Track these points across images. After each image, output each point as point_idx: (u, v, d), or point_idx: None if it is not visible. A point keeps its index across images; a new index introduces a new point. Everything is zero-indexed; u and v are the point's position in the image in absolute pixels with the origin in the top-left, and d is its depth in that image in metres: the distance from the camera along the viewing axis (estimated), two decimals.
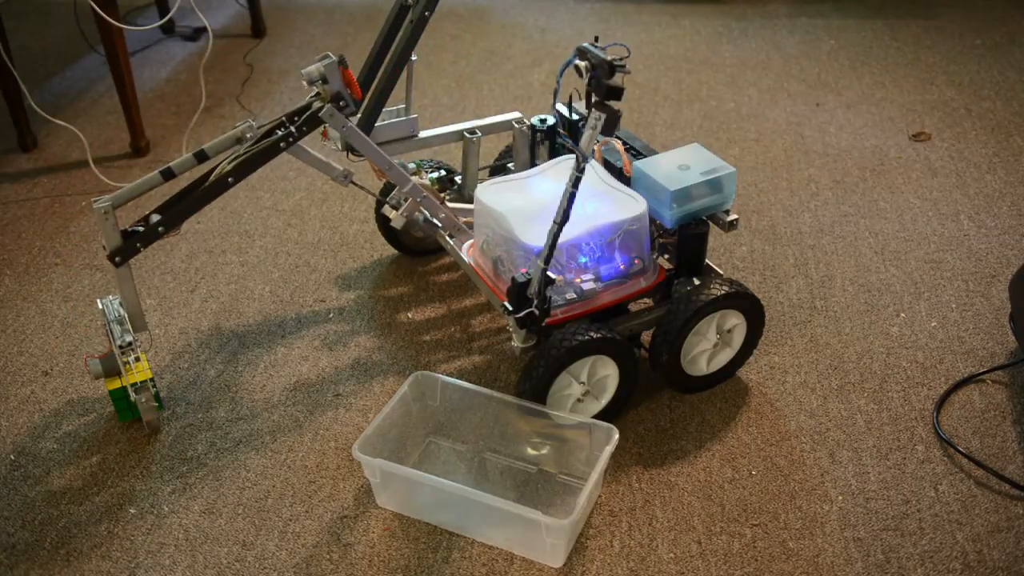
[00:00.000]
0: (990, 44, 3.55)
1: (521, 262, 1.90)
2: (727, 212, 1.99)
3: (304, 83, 1.93)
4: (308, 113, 1.92)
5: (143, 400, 1.91)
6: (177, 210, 1.90)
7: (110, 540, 1.79)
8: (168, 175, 1.90)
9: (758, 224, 2.59)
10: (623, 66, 1.68)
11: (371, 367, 2.16)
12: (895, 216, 2.61)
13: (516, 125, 2.25)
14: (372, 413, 2.04)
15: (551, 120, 2.21)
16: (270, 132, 1.92)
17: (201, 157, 1.91)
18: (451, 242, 2.17)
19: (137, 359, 1.91)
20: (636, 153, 2.10)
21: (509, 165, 2.37)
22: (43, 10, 4.00)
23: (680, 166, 1.97)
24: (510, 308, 1.84)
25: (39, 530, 1.82)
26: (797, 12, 3.86)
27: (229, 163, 1.89)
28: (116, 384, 1.95)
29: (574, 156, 1.77)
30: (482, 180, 2.11)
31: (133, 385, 1.90)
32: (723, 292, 1.93)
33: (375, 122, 2.13)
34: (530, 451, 1.93)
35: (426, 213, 2.13)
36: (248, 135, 1.91)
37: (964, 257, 2.45)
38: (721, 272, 2.07)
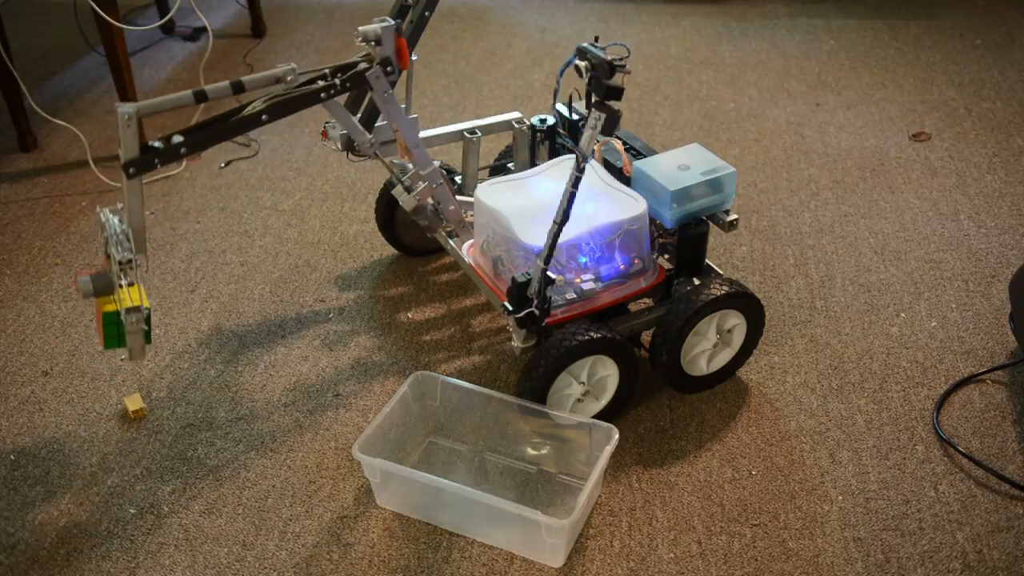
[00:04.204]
0: (990, 44, 3.55)
1: (521, 262, 1.90)
2: (727, 212, 1.99)
3: (357, 40, 1.90)
4: (355, 71, 1.89)
5: (133, 320, 1.76)
6: (203, 135, 1.83)
7: (110, 540, 1.79)
8: (201, 97, 1.82)
9: (758, 224, 2.59)
10: (623, 66, 1.68)
11: (371, 367, 2.16)
12: (895, 216, 2.61)
13: (516, 125, 2.25)
14: (372, 413, 2.04)
15: (551, 120, 2.21)
16: (310, 82, 1.88)
17: (238, 88, 1.84)
18: (451, 242, 2.17)
19: (132, 284, 1.78)
20: (636, 153, 2.10)
21: (509, 165, 2.37)
22: (43, 10, 4.00)
23: (680, 166, 1.97)
24: (510, 308, 1.84)
25: (39, 530, 1.82)
26: (797, 12, 3.86)
27: (264, 102, 1.85)
28: (111, 307, 1.81)
29: (574, 156, 1.77)
30: (482, 180, 2.11)
31: (127, 309, 1.77)
32: (723, 292, 1.93)
33: (376, 121, 2.13)
34: (530, 451, 1.93)
35: (436, 202, 2.12)
36: (289, 78, 1.86)
37: (964, 257, 2.45)
38: (721, 272, 2.07)
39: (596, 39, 1.77)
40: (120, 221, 1.81)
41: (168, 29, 3.75)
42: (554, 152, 2.23)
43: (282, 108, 1.85)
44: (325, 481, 1.90)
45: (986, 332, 2.21)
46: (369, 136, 2.00)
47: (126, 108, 1.71)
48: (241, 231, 2.62)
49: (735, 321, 2.01)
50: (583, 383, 1.91)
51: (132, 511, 1.85)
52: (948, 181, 2.76)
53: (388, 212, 2.38)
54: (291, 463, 1.94)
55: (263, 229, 2.62)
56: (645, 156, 2.08)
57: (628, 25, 3.80)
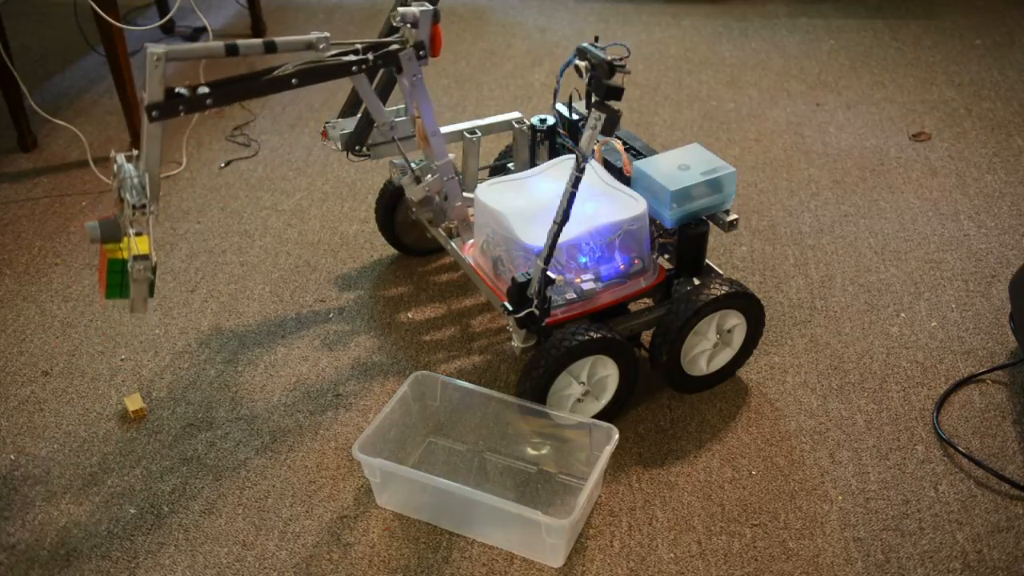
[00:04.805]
0: (990, 44, 3.55)
1: (521, 262, 1.90)
2: (727, 212, 1.99)
3: (393, 20, 1.91)
4: (388, 49, 1.90)
5: (139, 268, 1.71)
6: (230, 88, 1.81)
7: (110, 540, 1.79)
8: (232, 51, 1.79)
9: (758, 224, 2.59)
10: (623, 66, 1.68)
11: (371, 367, 2.16)
12: (895, 216, 2.61)
13: (516, 125, 2.26)
14: (372, 413, 2.04)
15: (551, 120, 2.21)
16: (341, 54, 1.87)
17: (270, 47, 1.82)
18: (451, 242, 2.17)
19: (140, 233, 1.73)
20: (636, 153, 2.10)
21: (509, 165, 2.37)
22: (43, 10, 4.00)
23: (680, 166, 1.97)
24: (510, 308, 1.84)
25: (39, 530, 1.82)
26: (797, 12, 3.86)
27: (295, 67, 1.84)
28: (118, 254, 1.75)
29: (574, 156, 1.77)
30: (482, 180, 2.11)
31: (135, 257, 1.71)
32: (723, 292, 1.93)
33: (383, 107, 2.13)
34: (530, 451, 1.93)
35: (444, 196, 2.12)
36: (321, 46, 1.85)
37: (964, 257, 2.45)
38: (721, 272, 2.07)
39: (596, 39, 1.77)
40: (134, 168, 1.77)
41: (168, 29, 3.75)
42: (554, 152, 2.23)
43: (313, 75, 1.85)
44: (325, 481, 1.90)
45: (986, 332, 2.21)
46: (389, 118, 2.00)
47: (155, 48, 1.69)
48: (241, 231, 2.62)
49: (735, 321, 2.01)
50: (583, 383, 1.91)
51: (132, 511, 1.85)
52: (948, 181, 2.76)
53: (388, 212, 2.38)
54: (291, 463, 1.94)
55: (263, 229, 2.62)
56: (645, 156, 2.08)
57: (628, 25, 3.80)
